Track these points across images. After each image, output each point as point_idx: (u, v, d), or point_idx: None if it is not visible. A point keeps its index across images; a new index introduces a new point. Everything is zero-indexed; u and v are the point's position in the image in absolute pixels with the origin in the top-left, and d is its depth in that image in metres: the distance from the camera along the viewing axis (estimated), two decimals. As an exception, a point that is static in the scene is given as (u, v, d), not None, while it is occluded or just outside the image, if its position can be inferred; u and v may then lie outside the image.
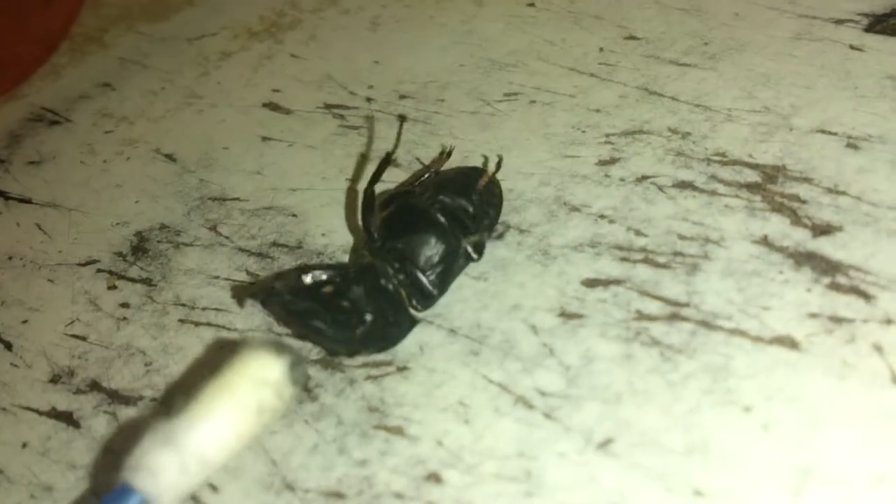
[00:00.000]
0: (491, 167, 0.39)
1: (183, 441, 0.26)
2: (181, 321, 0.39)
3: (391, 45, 0.51)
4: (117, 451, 0.34)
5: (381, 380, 0.33)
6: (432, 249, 0.34)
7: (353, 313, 0.33)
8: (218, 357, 0.28)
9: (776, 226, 0.34)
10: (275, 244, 0.41)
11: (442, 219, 0.35)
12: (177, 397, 0.27)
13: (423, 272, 0.34)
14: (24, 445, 0.36)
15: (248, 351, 0.27)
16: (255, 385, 0.27)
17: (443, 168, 0.38)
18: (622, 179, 0.38)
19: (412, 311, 0.34)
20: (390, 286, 0.34)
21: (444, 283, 0.35)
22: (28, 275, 0.44)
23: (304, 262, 0.39)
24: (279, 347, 0.28)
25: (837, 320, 0.30)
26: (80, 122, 0.53)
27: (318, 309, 0.32)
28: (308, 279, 0.33)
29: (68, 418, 0.37)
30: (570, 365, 0.32)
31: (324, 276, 0.33)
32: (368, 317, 0.33)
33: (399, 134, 0.39)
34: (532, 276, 0.35)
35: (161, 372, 0.37)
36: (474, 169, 0.38)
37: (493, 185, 0.37)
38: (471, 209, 0.35)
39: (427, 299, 0.34)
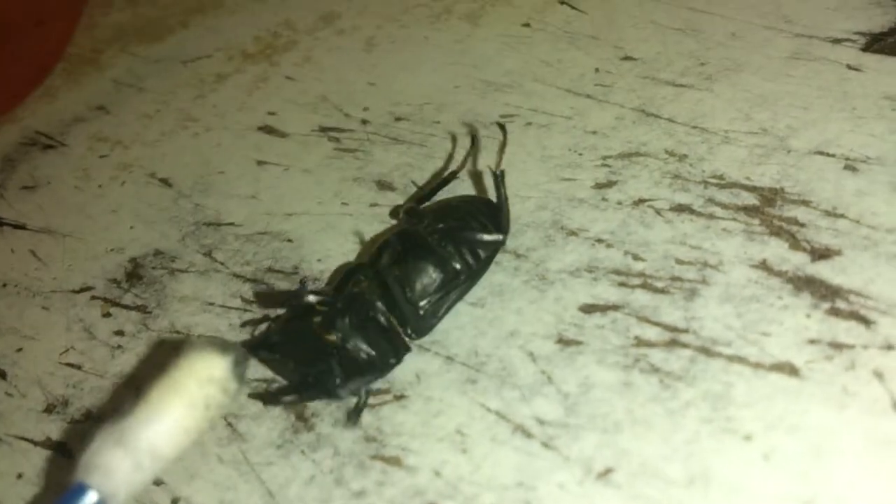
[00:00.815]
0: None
1: (134, 439, 0.26)
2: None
3: (386, 65, 0.51)
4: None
5: (378, 409, 0.33)
6: (428, 279, 0.34)
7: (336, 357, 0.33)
8: (166, 356, 0.28)
9: (775, 250, 0.34)
10: (270, 270, 0.40)
11: (439, 249, 0.34)
12: (126, 396, 0.27)
13: (412, 304, 0.34)
14: (20, 476, 0.36)
15: (194, 350, 0.28)
16: (202, 383, 0.28)
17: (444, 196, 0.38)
18: (619, 203, 0.38)
19: (405, 340, 0.34)
20: (381, 317, 0.33)
21: (430, 314, 0.34)
22: (22, 302, 0.43)
23: (298, 285, 0.39)
24: (223, 345, 0.29)
25: (837, 346, 0.30)
26: (74, 147, 0.53)
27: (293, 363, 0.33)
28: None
29: (63, 449, 0.36)
30: (568, 393, 0.31)
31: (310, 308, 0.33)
32: (355, 359, 0.33)
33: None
34: (529, 302, 0.35)
35: (156, 401, 0.36)
36: (477, 197, 0.38)
37: (499, 216, 0.36)
38: (471, 238, 0.35)
39: (418, 333, 0.34)
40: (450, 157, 0.43)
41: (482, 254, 0.35)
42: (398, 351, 0.34)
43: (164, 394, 0.28)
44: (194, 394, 0.28)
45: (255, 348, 0.33)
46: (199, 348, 0.29)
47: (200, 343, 0.29)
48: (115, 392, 0.37)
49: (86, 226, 0.47)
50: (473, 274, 0.35)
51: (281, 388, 0.34)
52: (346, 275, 0.35)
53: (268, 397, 0.34)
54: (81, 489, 0.26)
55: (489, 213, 0.36)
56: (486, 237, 0.35)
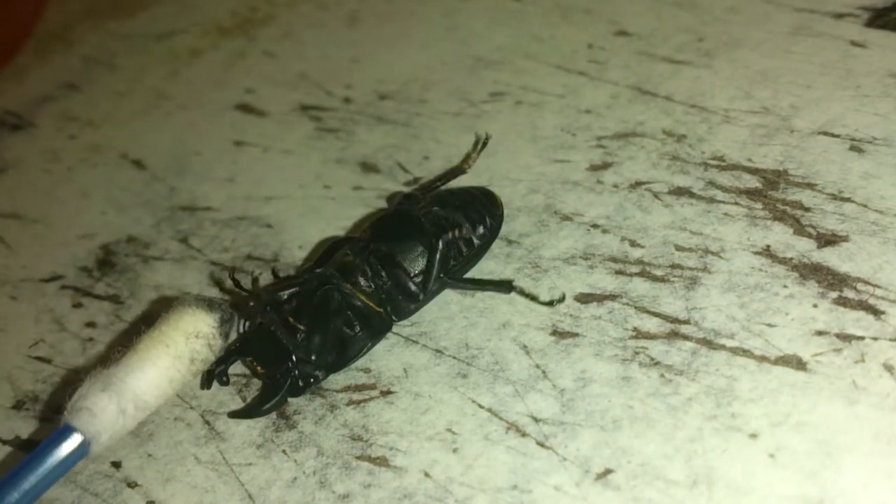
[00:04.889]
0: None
1: (120, 386, 0.29)
2: (151, 342, 0.37)
3: (370, 41, 0.50)
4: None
5: (363, 405, 0.32)
6: (417, 260, 0.33)
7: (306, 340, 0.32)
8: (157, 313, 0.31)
9: (779, 235, 0.32)
10: (249, 257, 0.39)
11: (432, 231, 0.33)
12: (115, 349, 0.31)
13: (399, 284, 0.32)
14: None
15: (182, 306, 0.31)
16: (188, 337, 0.30)
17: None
18: (615, 186, 0.36)
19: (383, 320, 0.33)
20: (358, 302, 0.32)
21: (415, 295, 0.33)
22: (-10, 292, 0.42)
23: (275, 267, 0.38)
24: (211, 303, 0.31)
25: (846, 338, 0.29)
26: (43, 127, 0.51)
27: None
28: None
29: (33, 448, 0.34)
30: (564, 388, 0.30)
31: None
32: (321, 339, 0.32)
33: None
34: (522, 292, 0.33)
35: (130, 398, 0.35)
36: (481, 189, 0.36)
37: (496, 207, 0.35)
38: (465, 228, 0.34)
39: (398, 314, 0.33)
40: (436, 138, 0.41)
41: (475, 241, 0.34)
42: (377, 331, 0.33)
43: (152, 345, 0.30)
44: (181, 347, 0.30)
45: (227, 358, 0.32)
46: (187, 304, 0.31)
47: (189, 299, 0.31)
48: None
49: (55, 210, 0.45)
50: (463, 260, 0.34)
51: (257, 398, 0.33)
52: (329, 248, 0.34)
53: (249, 411, 0.33)
54: (67, 430, 0.29)
55: (486, 203, 0.35)
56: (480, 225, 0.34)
